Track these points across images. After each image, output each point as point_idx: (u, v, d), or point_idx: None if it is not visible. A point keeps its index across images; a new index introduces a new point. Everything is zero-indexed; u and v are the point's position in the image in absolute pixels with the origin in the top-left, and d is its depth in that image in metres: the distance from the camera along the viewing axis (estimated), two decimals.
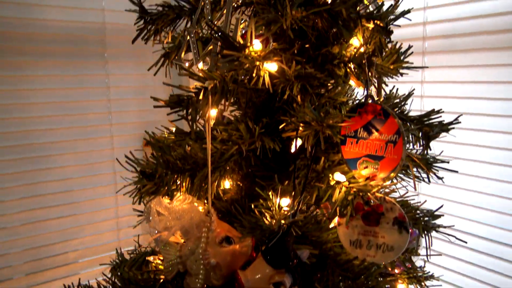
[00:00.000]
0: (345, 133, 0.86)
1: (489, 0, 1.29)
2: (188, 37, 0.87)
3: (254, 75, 0.78)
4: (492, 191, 1.34)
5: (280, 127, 0.82)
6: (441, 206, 0.92)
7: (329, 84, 0.95)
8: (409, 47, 0.89)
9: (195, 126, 0.97)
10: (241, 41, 0.78)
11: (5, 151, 1.51)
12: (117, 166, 1.74)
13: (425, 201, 0.96)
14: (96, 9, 1.62)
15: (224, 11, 0.84)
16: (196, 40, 0.87)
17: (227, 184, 1.08)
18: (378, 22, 0.75)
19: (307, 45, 0.90)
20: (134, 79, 1.72)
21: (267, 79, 0.79)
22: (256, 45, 0.74)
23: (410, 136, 1.04)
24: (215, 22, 0.87)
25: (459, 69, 1.38)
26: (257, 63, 0.77)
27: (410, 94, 0.99)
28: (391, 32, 0.78)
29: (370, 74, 0.82)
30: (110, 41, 1.65)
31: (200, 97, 0.82)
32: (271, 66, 0.78)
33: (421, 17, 1.45)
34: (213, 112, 0.88)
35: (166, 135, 1.13)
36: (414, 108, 1.50)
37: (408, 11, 0.84)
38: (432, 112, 1.01)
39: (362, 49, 0.82)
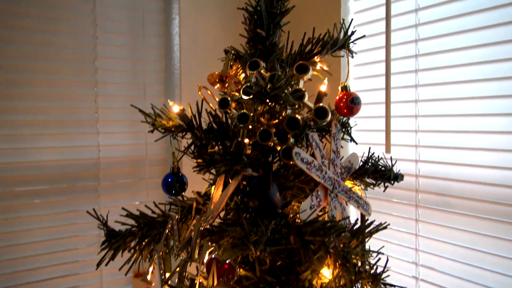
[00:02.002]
0: None
1: (483, 167, 1.26)
2: (156, 256, 0.85)
3: None
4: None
5: None
6: None
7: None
8: (385, 268, 0.85)
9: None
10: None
11: None
12: None
13: None
14: (92, 146, 1.64)
15: (193, 233, 0.83)
16: (163, 260, 0.85)
17: None
18: (348, 265, 0.72)
19: (278, 262, 0.87)
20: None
21: None
22: None
23: None
24: (181, 240, 0.86)
25: (454, 231, 1.33)
26: None
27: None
28: (362, 272, 0.74)
29: None
30: (104, 175, 1.66)
31: None
32: None
33: (414, 170, 1.43)
34: None
35: None
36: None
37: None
38: None
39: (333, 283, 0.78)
